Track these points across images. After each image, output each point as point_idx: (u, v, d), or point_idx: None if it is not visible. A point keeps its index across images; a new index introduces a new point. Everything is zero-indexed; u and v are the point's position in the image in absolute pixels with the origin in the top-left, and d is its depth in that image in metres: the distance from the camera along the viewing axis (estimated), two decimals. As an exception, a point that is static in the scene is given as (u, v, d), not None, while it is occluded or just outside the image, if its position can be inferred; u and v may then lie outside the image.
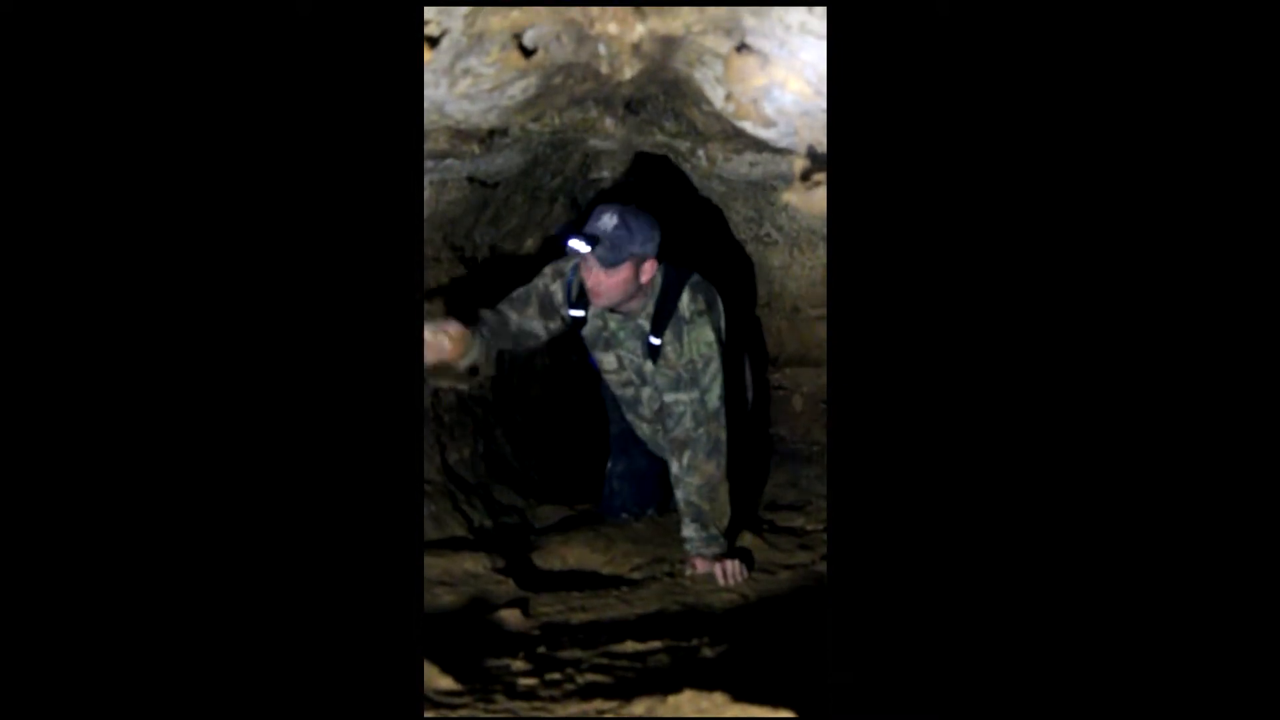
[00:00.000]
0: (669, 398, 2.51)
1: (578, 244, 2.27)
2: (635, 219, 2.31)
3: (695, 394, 2.47)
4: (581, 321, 2.59)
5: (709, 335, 2.46)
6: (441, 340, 2.39)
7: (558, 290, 2.58)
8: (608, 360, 2.68)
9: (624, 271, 2.33)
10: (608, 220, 2.29)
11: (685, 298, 2.46)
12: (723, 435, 2.47)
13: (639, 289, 2.41)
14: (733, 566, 2.31)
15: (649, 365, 2.56)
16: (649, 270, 2.39)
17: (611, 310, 2.47)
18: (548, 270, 2.63)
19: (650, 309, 2.48)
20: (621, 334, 2.58)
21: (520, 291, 2.64)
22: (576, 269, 2.53)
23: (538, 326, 2.62)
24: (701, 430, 2.46)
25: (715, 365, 2.47)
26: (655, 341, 2.49)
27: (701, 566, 2.36)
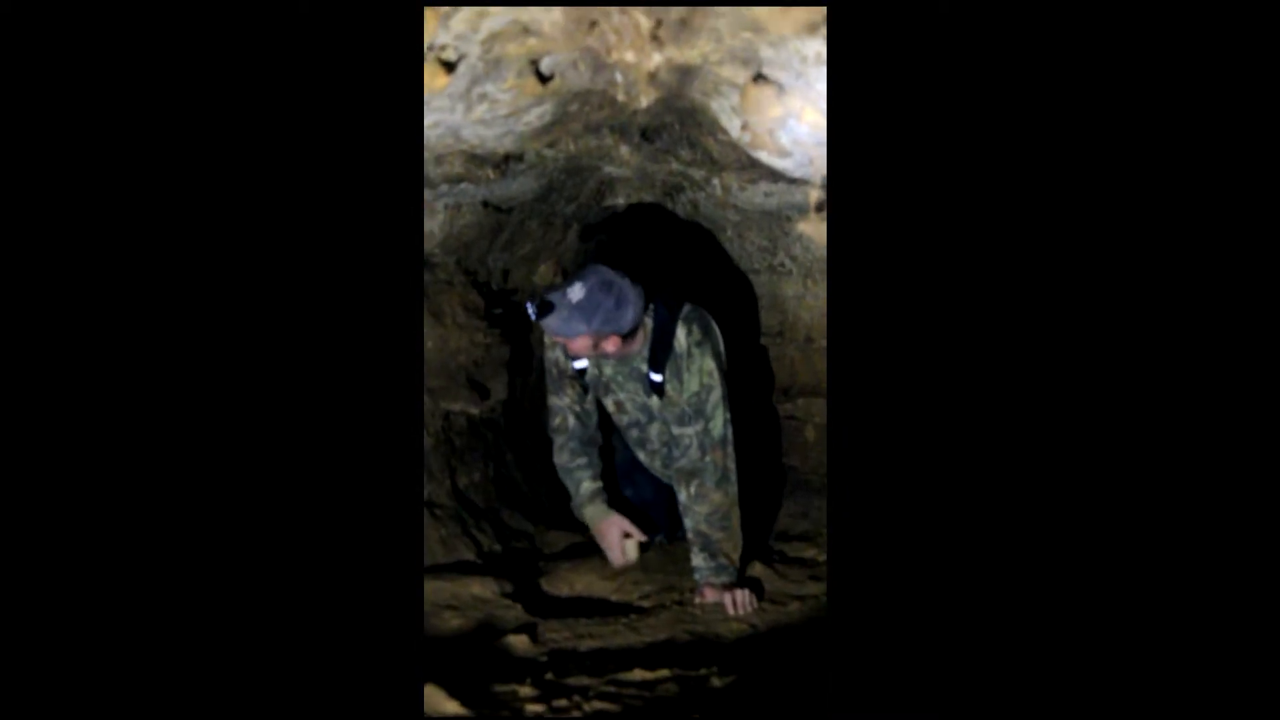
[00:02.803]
0: (677, 431, 2.52)
1: (528, 307, 2.31)
2: (605, 296, 2.28)
3: (701, 425, 2.47)
4: (584, 370, 2.62)
5: (710, 364, 2.46)
6: (629, 547, 2.65)
7: (559, 354, 2.61)
8: (610, 404, 2.70)
9: (582, 339, 2.33)
10: (576, 291, 2.28)
11: (680, 332, 2.46)
12: (731, 464, 2.46)
13: (632, 338, 2.43)
14: (742, 596, 2.30)
15: (655, 401, 2.56)
16: (612, 345, 2.38)
17: (606, 356, 2.47)
18: (546, 339, 2.65)
19: (645, 351, 2.49)
20: (620, 378, 2.60)
21: (548, 379, 2.70)
22: None
23: (573, 398, 2.68)
24: (709, 459, 2.45)
25: (718, 394, 2.46)
26: (656, 378, 2.49)
27: (710, 596, 2.34)
